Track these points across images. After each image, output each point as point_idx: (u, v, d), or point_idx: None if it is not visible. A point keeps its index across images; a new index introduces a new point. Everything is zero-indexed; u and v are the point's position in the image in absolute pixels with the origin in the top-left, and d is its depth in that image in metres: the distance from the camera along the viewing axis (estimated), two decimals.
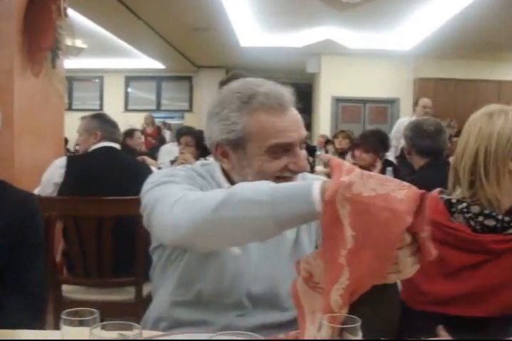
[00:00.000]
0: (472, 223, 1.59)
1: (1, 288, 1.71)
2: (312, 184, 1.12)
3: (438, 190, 1.73)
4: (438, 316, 1.57)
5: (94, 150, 3.23)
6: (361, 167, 4.21)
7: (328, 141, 9.21)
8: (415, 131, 3.37)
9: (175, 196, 1.34)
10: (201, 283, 1.53)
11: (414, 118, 5.73)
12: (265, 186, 1.20)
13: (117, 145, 3.31)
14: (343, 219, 1.02)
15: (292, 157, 1.49)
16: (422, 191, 1.02)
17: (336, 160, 1.14)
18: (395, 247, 1.01)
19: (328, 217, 1.05)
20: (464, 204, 1.61)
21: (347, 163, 1.11)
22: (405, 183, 1.04)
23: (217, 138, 1.53)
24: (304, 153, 1.52)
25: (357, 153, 4.47)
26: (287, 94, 1.53)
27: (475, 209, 1.60)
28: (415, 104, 6.82)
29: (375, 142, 4.46)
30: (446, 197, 1.66)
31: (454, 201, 1.64)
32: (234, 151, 1.53)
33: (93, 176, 3.08)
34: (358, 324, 0.93)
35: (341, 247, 1.02)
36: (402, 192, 1.01)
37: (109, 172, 3.10)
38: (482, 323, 1.52)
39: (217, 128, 1.52)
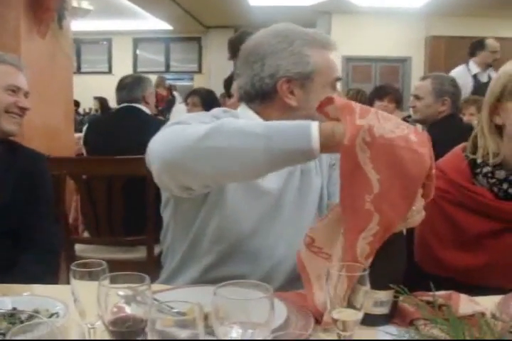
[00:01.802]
0: (495, 189, 1.51)
1: (15, 244, 1.76)
2: (311, 122, 1.11)
3: (462, 145, 1.64)
4: (454, 282, 1.53)
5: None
6: None
7: None
8: (457, 88, 3.35)
9: (171, 128, 1.30)
10: (235, 240, 1.52)
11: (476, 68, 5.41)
12: (259, 121, 1.20)
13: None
14: (364, 164, 1.01)
15: (337, 91, 1.60)
16: (427, 136, 1.03)
17: (342, 100, 1.09)
18: (420, 186, 1.02)
19: (347, 163, 1.03)
20: (489, 168, 1.52)
21: (357, 104, 1.08)
22: (413, 126, 1.06)
23: (286, 73, 1.52)
24: None
25: (381, 103, 4.33)
26: None
27: (500, 174, 1.50)
28: (479, 46, 5.75)
29: (398, 94, 4.42)
30: (470, 156, 1.57)
31: (479, 161, 1.54)
32: (302, 86, 1.54)
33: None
34: (366, 272, 0.94)
35: (366, 193, 1.02)
36: (412, 134, 1.03)
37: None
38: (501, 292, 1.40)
39: (288, 62, 1.53)
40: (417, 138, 1.02)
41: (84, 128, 3.58)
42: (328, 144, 1.08)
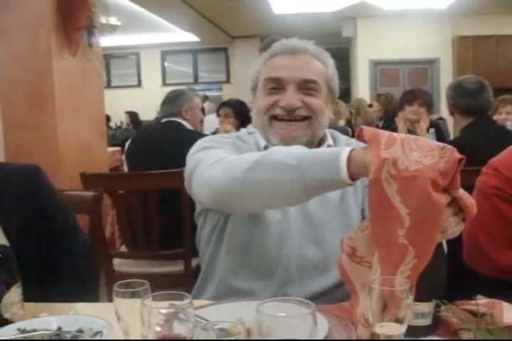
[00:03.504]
0: None
1: (48, 275, 1.62)
2: (342, 150, 1.12)
3: None
4: (501, 282, 1.53)
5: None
6: (411, 121, 4.13)
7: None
8: (456, 90, 3.27)
9: (215, 157, 1.39)
10: (247, 249, 1.55)
11: None
12: (297, 150, 1.22)
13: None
14: (393, 198, 1.00)
15: (284, 95, 1.58)
16: (461, 157, 1.01)
17: (370, 130, 1.09)
18: (442, 214, 1.01)
19: (375, 196, 1.02)
20: None
21: (385, 133, 1.07)
22: (446, 148, 1.02)
23: (250, 89, 1.70)
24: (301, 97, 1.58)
25: (411, 107, 4.27)
26: (305, 44, 1.64)
27: None
28: None
29: (428, 97, 4.35)
30: None
31: None
32: (253, 97, 1.68)
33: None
34: (407, 286, 0.94)
35: (398, 227, 1.00)
36: (443, 160, 1.00)
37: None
38: None
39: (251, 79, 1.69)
40: (446, 163, 1.00)
41: (127, 142, 3.63)
42: (360, 173, 1.10)
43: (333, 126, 4.23)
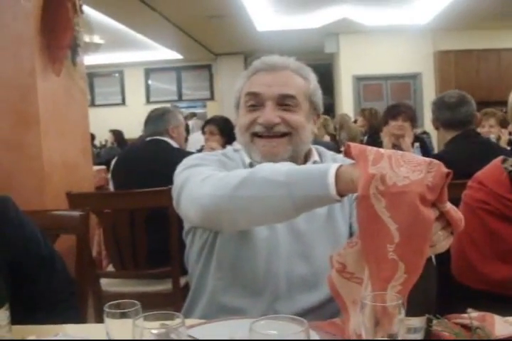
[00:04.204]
0: None
1: (25, 306, 1.57)
2: (330, 166, 1.12)
3: (501, 158, 1.66)
4: (490, 294, 1.53)
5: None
6: (396, 136, 4.13)
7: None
8: (437, 104, 3.30)
9: (203, 175, 1.38)
10: (237, 266, 1.54)
11: None
12: (285, 166, 1.22)
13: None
14: (382, 213, 1.00)
15: (262, 111, 1.58)
16: (448, 171, 1.01)
17: (357, 146, 1.09)
18: (431, 228, 1.01)
19: (364, 213, 1.02)
20: None
21: (372, 149, 1.07)
22: (433, 162, 1.02)
23: (234, 106, 1.71)
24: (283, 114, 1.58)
25: (396, 122, 4.28)
26: (285, 60, 1.65)
27: None
28: None
29: (411, 112, 4.36)
30: (510, 168, 1.59)
31: None
32: (236, 115, 1.69)
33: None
34: (400, 301, 0.93)
35: (387, 242, 1.00)
36: (430, 175, 1.01)
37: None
38: None
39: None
40: (433, 178, 1.00)
41: (113, 161, 3.62)
42: (348, 189, 1.10)
43: (319, 141, 4.25)
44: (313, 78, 1.67)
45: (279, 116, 1.57)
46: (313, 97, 1.64)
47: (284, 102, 1.58)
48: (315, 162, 1.65)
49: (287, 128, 1.57)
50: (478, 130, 4.24)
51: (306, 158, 1.67)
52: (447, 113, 3.22)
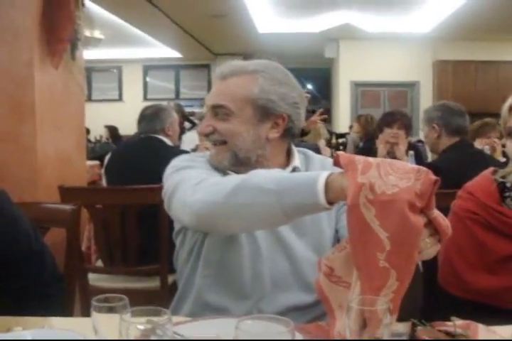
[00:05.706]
0: None
1: (14, 299, 1.58)
2: (320, 174, 1.13)
3: (491, 169, 1.67)
4: (476, 304, 1.54)
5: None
6: (391, 143, 4.12)
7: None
8: (444, 110, 3.29)
9: (195, 179, 1.39)
10: (222, 267, 1.56)
11: None
12: (277, 174, 1.23)
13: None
14: (371, 222, 1.01)
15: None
16: (436, 178, 1.02)
17: (346, 156, 1.10)
18: (421, 235, 1.01)
19: (354, 222, 1.03)
20: None
21: (361, 158, 1.08)
22: (421, 170, 1.03)
23: None
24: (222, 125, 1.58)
25: (391, 130, 4.27)
26: (236, 66, 1.61)
27: None
28: None
29: (407, 120, 4.35)
30: (500, 179, 1.59)
31: (508, 185, 1.57)
32: None
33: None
34: (387, 306, 0.94)
35: (377, 251, 1.01)
36: (419, 182, 1.01)
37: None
38: None
39: None
40: (421, 186, 1.01)
41: (107, 157, 3.61)
42: (337, 198, 1.10)
43: (303, 144, 4.21)
44: (274, 78, 1.58)
45: (212, 125, 1.59)
46: (260, 101, 1.55)
47: (216, 112, 1.59)
48: (295, 168, 1.64)
49: (220, 136, 1.59)
50: (483, 141, 4.29)
51: (287, 163, 1.66)
52: (460, 119, 3.23)
